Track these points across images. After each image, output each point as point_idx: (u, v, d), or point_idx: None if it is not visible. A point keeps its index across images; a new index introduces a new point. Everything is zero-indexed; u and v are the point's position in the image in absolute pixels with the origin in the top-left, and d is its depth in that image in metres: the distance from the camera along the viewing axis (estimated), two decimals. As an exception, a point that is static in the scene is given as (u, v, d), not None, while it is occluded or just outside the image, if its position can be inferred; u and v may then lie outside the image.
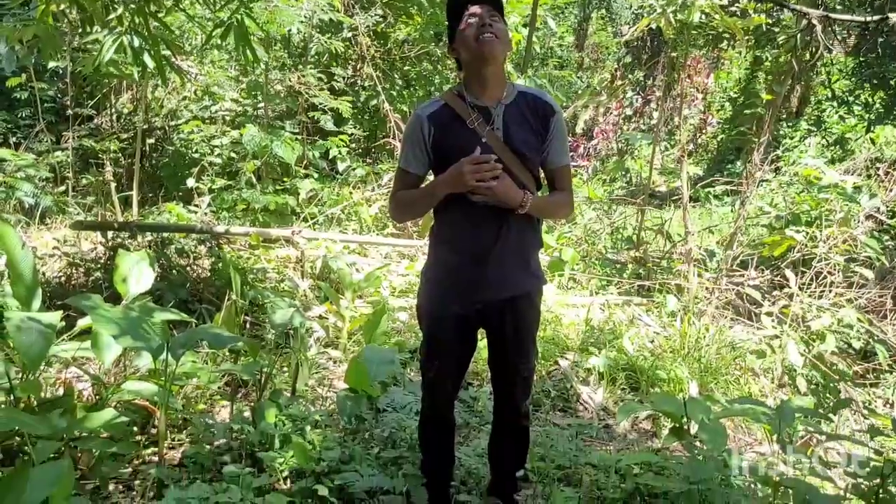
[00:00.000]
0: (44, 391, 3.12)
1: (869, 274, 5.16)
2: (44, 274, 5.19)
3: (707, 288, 5.69)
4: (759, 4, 7.03)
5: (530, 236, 2.54)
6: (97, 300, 2.90)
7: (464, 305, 2.52)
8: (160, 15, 4.37)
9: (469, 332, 2.64)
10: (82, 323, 3.29)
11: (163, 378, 2.93)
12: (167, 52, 4.15)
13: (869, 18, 3.33)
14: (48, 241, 5.93)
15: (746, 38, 10.11)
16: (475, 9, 2.37)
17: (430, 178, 2.53)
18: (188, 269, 5.36)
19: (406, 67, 9.77)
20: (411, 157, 2.48)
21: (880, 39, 10.66)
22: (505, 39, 2.38)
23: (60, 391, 3.19)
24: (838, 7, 9.54)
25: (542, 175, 2.59)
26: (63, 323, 3.16)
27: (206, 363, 3.86)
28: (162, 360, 2.84)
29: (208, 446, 3.06)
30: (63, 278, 5.15)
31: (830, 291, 5.18)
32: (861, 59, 11.67)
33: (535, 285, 2.61)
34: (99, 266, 5.11)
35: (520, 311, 2.55)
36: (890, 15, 3.04)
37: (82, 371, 3.46)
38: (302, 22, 7.50)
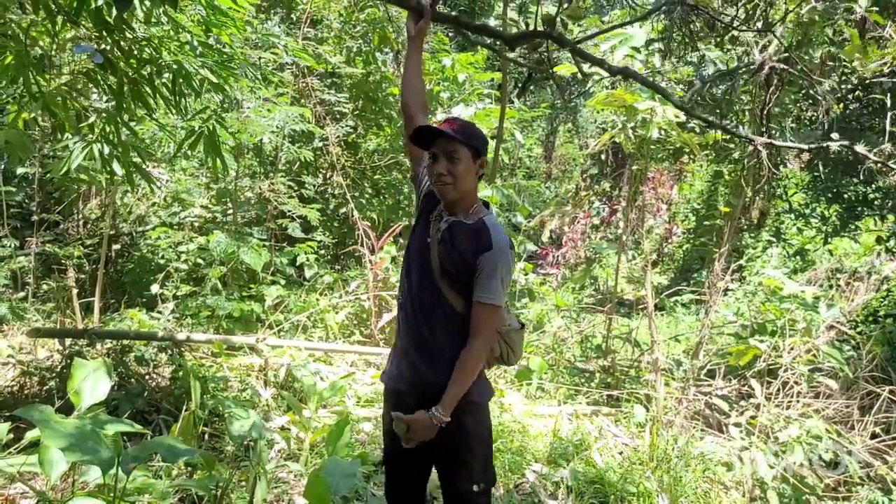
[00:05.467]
0: (-16, 509, 2.96)
1: (834, 384, 5.18)
2: (-5, 383, 5.03)
3: (675, 398, 5.66)
4: (713, 112, 7.34)
5: (445, 339, 2.53)
6: (47, 411, 2.79)
7: (391, 380, 2.69)
8: (132, 123, 4.45)
9: (398, 410, 2.61)
10: (31, 435, 3.16)
11: (112, 494, 2.79)
12: (138, 160, 4.18)
13: (811, 146, 3.48)
14: (2, 348, 5.77)
15: (704, 152, 10.51)
16: (435, 147, 2.51)
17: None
18: (147, 377, 5.22)
19: (376, 176, 9.94)
20: (422, 165, 2.76)
21: (831, 156, 11.12)
22: (462, 178, 2.49)
23: (2, 509, 3.03)
24: (791, 126, 9.97)
25: None
26: (11, 435, 3.04)
27: (160, 477, 3.70)
28: (112, 474, 2.71)
29: (157, 568, 2.90)
30: (16, 387, 4.98)
31: (797, 402, 5.18)
32: (815, 174, 12.12)
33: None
34: (54, 375, 4.95)
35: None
36: (830, 143, 3.17)
37: (28, 486, 3.30)
38: (273, 132, 7.64)
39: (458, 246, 2.48)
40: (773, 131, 8.41)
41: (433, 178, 2.52)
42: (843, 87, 9.62)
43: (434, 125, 2.51)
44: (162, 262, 7.61)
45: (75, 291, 6.94)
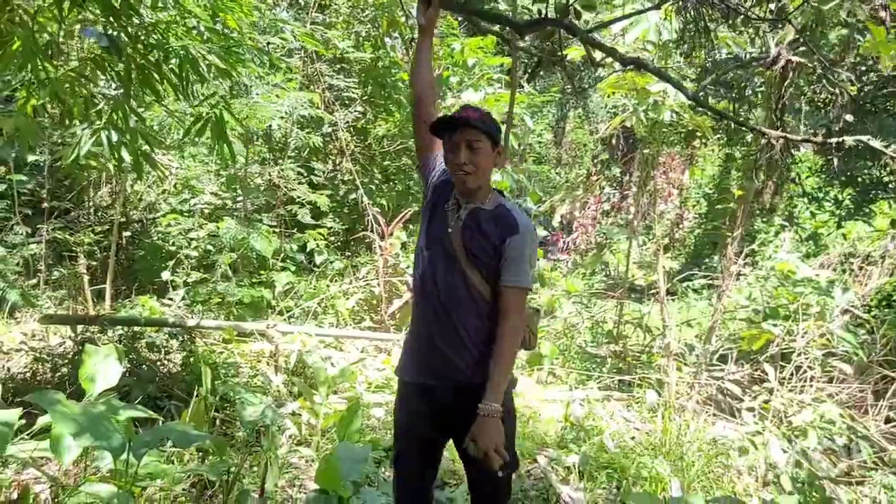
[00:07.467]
0: (-3, 494, 2.98)
1: (848, 369, 5.13)
2: (8, 370, 5.05)
3: (687, 383, 5.63)
4: (727, 104, 7.27)
5: (476, 329, 2.50)
6: (58, 397, 2.79)
7: (412, 376, 2.63)
8: (140, 110, 4.42)
9: (422, 408, 2.59)
10: (43, 421, 3.17)
11: (124, 479, 2.80)
12: (146, 147, 4.16)
13: (826, 140, 3.44)
14: (15, 335, 5.79)
15: (717, 136, 10.42)
16: (456, 137, 2.46)
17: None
18: (158, 363, 5.23)
19: (385, 162, 9.91)
20: (436, 157, 2.71)
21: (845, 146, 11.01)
22: (483, 167, 2.48)
23: (15, 495, 3.04)
24: (805, 108, 9.87)
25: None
26: (23, 421, 3.04)
27: (172, 462, 3.71)
28: (124, 459, 2.72)
29: (169, 553, 2.90)
30: (28, 374, 5.00)
31: (811, 386, 5.14)
32: (829, 157, 12.01)
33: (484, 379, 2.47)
34: (66, 361, 4.97)
35: (473, 405, 2.47)
36: (845, 139, 3.13)
37: (40, 472, 3.31)
38: (282, 118, 7.62)
39: (485, 230, 2.47)
40: (787, 114, 8.32)
41: (452, 168, 2.49)
42: (857, 68, 9.51)
43: (454, 114, 2.47)
44: (172, 248, 7.63)
45: (86, 278, 6.97)
